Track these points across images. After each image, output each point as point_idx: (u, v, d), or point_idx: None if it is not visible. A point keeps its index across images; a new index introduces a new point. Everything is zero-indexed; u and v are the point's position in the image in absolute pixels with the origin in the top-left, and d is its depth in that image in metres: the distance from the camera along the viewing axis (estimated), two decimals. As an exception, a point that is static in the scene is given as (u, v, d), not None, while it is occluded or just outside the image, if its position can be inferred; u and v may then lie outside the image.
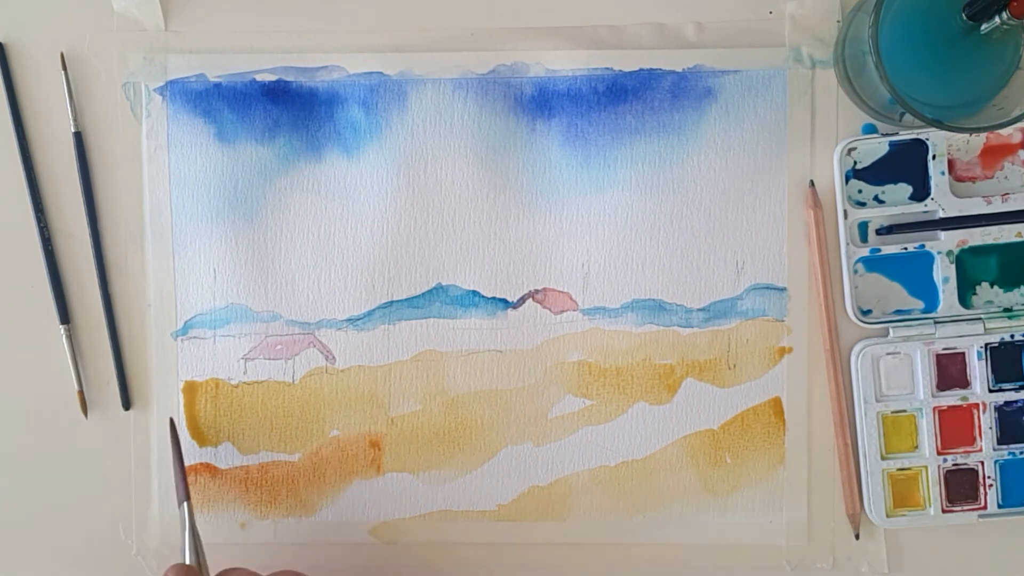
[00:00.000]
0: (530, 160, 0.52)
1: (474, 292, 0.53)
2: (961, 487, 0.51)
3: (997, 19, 0.45)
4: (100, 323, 0.53)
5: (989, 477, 0.51)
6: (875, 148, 0.51)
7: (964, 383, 0.51)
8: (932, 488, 0.51)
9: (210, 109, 0.52)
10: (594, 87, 0.52)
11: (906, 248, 0.51)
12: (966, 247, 0.51)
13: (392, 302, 0.53)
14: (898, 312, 0.52)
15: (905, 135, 0.51)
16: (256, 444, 0.53)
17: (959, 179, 0.51)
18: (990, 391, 0.51)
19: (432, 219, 0.52)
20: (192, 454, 0.53)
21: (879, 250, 0.51)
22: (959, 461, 0.51)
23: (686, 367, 0.53)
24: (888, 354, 0.51)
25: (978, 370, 0.51)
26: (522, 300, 0.53)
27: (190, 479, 0.53)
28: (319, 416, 0.53)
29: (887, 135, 0.51)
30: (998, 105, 0.47)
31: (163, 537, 0.53)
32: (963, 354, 0.51)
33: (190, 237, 0.53)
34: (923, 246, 0.51)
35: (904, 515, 0.52)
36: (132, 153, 0.53)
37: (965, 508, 0.51)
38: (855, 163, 0.51)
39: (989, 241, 0.51)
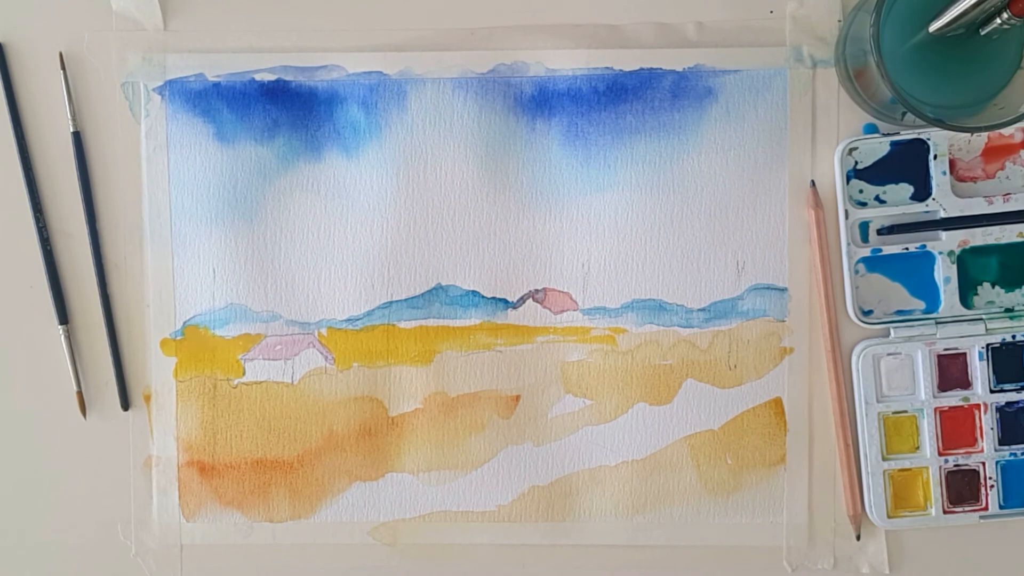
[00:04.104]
0: (530, 160, 0.52)
1: (474, 292, 0.53)
2: (962, 488, 0.51)
3: (998, 19, 0.45)
4: (99, 323, 0.53)
5: (990, 478, 0.51)
6: (876, 148, 0.51)
7: (965, 384, 0.51)
8: (933, 489, 0.51)
9: (209, 109, 0.52)
10: (594, 86, 0.51)
11: (907, 248, 0.51)
12: (967, 247, 0.51)
13: (392, 302, 0.53)
14: (899, 312, 0.51)
15: (906, 135, 0.50)
16: (255, 445, 0.53)
17: (960, 179, 0.51)
18: (991, 392, 0.51)
19: (432, 219, 0.52)
20: (192, 454, 0.53)
21: (880, 250, 0.51)
22: (960, 462, 0.51)
23: (686, 367, 0.52)
24: (889, 354, 0.51)
25: (979, 371, 0.51)
26: (522, 300, 0.53)
27: (189, 478, 0.53)
28: (319, 416, 0.53)
29: (888, 135, 0.51)
30: (999, 104, 0.47)
31: (162, 538, 0.53)
32: (964, 354, 0.51)
33: (189, 237, 0.53)
34: (924, 246, 0.51)
35: (905, 516, 0.52)
36: (131, 153, 0.52)
37: (966, 509, 0.51)
38: (856, 163, 0.51)
39: (990, 241, 0.51)
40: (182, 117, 0.52)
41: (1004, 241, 0.51)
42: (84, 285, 0.53)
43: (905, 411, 0.51)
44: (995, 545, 0.52)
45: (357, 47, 0.52)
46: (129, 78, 0.52)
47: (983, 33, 0.46)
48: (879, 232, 0.52)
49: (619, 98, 0.52)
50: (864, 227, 0.52)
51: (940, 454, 0.51)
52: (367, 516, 0.53)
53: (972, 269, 0.51)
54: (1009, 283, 0.51)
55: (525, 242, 0.52)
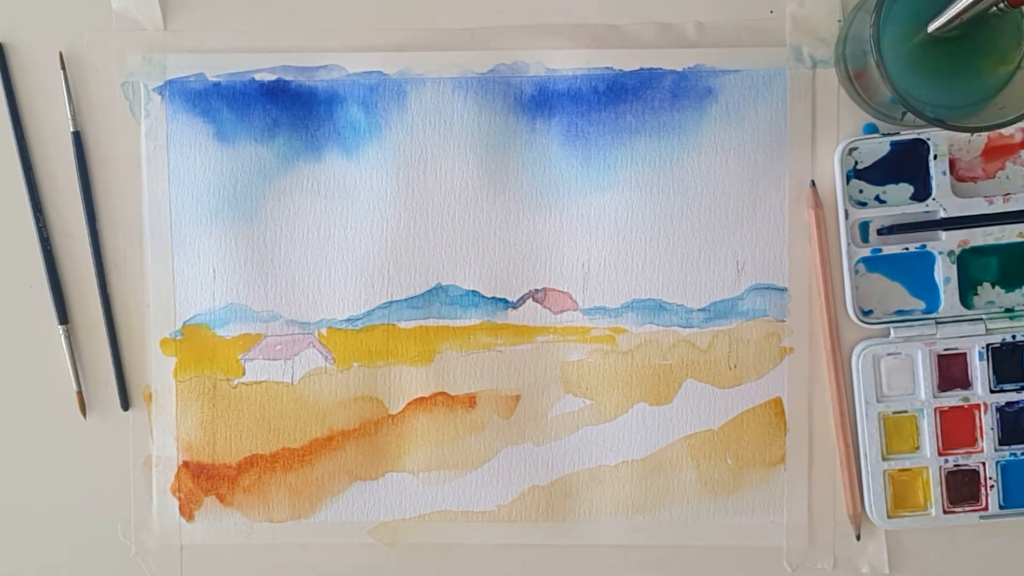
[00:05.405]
0: (530, 160, 0.52)
1: (474, 292, 0.53)
2: (962, 488, 0.51)
3: (995, 8, 0.45)
4: (99, 323, 0.53)
5: (990, 478, 0.51)
6: (876, 148, 0.51)
7: (965, 384, 0.51)
8: (933, 489, 0.51)
9: (209, 109, 0.52)
10: (594, 86, 0.51)
11: (907, 248, 0.51)
12: (967, 247, 0.51)
13: (392, 302, 0.53)
14: (899, 312, 0.51)
15: (906, 135, 0.50)
16: (255, 445, 0.53)
17: (960, 179, 0.51)
18: (991, 392, 0.51)
19: (432, 219, 0.52)
20: (192, 454, 0.53)
21: (880, 250, 0.51)
22: (960, 462, 0.51)
23: (686, 367, 0.52)
24: (889, 354, 0.51)
25: (979, 371, 0.51)
26: (522, 300, 0.53)
27: (189, 478, 0.53)
28: (318, 416, 0.53)
29: (888, 135, 0.51)
30: (999, 104, 0.47)
31: (162, 538, 0.53)
32: (964, 355, 0.51)
33: (189, 237, 0.53)
34: (924, 246, 0.51)
35: (905, 516, 0.52)
36: (131, 153, 0.52)
37: (966, 509, 0.51)
38: (856, 163, 0.51)
39: (990, 241, 0.51)
40: (182, 117, 0.52)
41: (1004, 241, 0.51)
42: (84, 285, 0.53)
43: (905, 411, 0.51)
44: (995, 545, 0.52)
45: (357, 47, 0.52)
46: (129, 78, 0.52)
47: (981, 33, 0.46)
48: (879, 232, 0.52)
49: (619, 98, 0.52)
50: (864, 227, 0.52)
51: (940, 454, 0.51)
52: (367, 516, 0.53)
53: (972, 269, 0.51)
54: (1009, 283, 0.51)
55: (525, 242, 0.52)
